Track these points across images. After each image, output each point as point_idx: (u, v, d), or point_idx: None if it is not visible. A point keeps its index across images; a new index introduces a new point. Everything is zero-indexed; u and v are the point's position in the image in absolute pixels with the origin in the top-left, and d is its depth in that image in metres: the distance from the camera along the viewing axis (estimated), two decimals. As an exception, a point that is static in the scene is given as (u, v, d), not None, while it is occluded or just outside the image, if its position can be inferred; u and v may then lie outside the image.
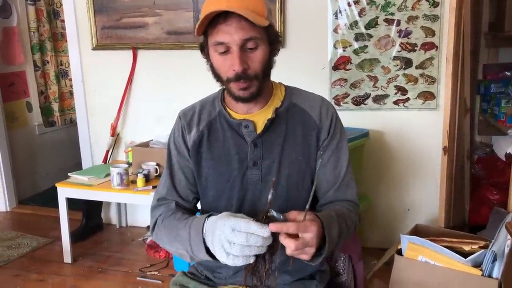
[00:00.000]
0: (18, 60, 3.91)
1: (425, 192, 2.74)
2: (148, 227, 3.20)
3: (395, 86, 2.67)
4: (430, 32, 2.56)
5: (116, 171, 2.56)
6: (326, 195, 1.24)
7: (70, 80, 3.84)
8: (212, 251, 1.02)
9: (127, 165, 2.72)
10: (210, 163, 1.22)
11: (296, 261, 1.04)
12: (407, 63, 2.62)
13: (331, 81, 2.73)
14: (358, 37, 2.65)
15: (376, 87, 2.69)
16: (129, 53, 3.06)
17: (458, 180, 2.52)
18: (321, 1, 2.65)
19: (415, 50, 2.60)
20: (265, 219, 0.98)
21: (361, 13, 2.61)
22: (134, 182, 2.61)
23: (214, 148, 1.22)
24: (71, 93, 4.01)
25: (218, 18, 1.07)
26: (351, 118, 2.66)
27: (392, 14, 2.58)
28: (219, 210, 1.12)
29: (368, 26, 2.62)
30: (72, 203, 2.76)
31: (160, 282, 2.56)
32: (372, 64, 2.66)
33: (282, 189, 1.18)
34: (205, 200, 1.26)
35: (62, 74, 4.13)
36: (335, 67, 2.71)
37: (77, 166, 3.37)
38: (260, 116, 1.20)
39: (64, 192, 2.69)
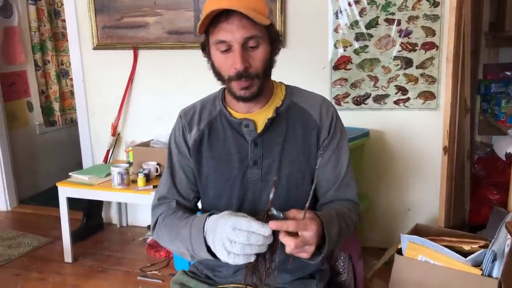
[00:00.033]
0: (19, 59, 3.91)
1: (425, 192, 2.74)
2: (148, 226, 3.20)
3: (395, 86, 2.67)
4: (430, 32, 2.56)
5: (117, 171, 2.56)
6: (326, 194, 1.24)
7: (71, 79, 3.84)
8: (213, 250, 1.02)
9: (127, 165, 2.72)
10: (211, 162, 1.22)
11: (296, 260, 1.05)
12: (408, 63, 2.62)
13: (331, 81, 2.74)
14: (359, 36, 2.65)
15: (377, 87, 2.69)
16: (130, 52, 3.07)
17: (458, 180, 2.53)
18: (321, 1, 2.66)
19: (415, 50, 2.60)
20: (266, 218, 0.98)
21: (361, 12, 2.61)
22: (134, 181, 2.62)
23: (214, 147, 1.22)
24: (71, 92, 4.01)
25: (219, 17, 1.08)
26: (352, 118, 2.66)
27: (393, 14, 2.58)
28: (219, 209, 1.12)
29: (369, 26, 2.62)
30: (73, 203, 2.76)
31: (161, 281, 2.56)
32: (372, 64, 2.66)
33: (282, 188, 1.18)
34: (206, 199, 1.27)
35: (63, 73, 4.13)
36: (336, 67, 2.71)
37: (77, 165, 3.38)
38: (260, 116, 1.21)
39: (65, 191, 2.69)
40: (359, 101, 2.73)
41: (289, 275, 1.24)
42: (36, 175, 4.12)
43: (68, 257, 2.81)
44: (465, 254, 1.75)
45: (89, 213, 3.19)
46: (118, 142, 3.22)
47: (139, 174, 2.59)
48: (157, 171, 2.69)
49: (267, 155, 1.19)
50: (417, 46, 2.59)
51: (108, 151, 3.16)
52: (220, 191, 1.22)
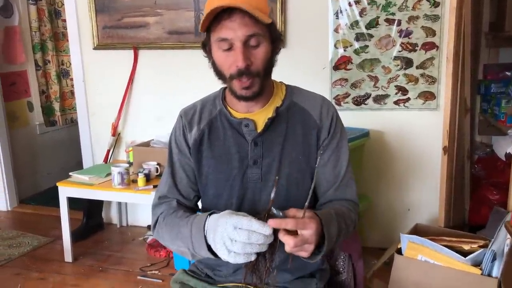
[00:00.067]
0: (20, 59, 3.92)
1: (425, 192, 2.75)
2: (148, 226, 3.21)
3: (395, 86, 2.67)
4: (430, 32, 2.56)
5: (117, 171, 2.57)
6: (325, 194, 1.24)
7: (71, 79, 3.85)
8: (214, 249, 1.02)
9: (128, 165, 2.72)
10: (211, 162, 1.23)
11: (296, 259, 1.05)
12: (408, 63, 2.62)
13: (331, 81, 2.74)
14: (359, 37, 2.65)
15: (377, 87, 2.69)
16: (130, 52, 3.07)
17: (458, 180, 2.53)
18: (322, 1, 2.66)
19: (415, 50, 2.60)
20: (267, 218, 0.98)
21: (362, 13, 2.61)
22: (134, 181, 2.62)
23: (214, 147, 1.23)
24: (72, 92, 4.02)
25: (222, 15, 1.08)
26: (352, 118, 2.67)
27: (393, 14, 2.58)
28: (219, 208, 1.13)
29: (369, 26, 2.62)
30: (73, 203, 2.76)
31: (161, 281, 2.57)
32: (372, 64, 2.67)
33: (282, 188, 1.19)
34: (206, 198, 1.27)
35: (63, 73, 4.14)
36: (336, 67, 2.72)
37: (78, 165, 3.38)
38: (260, 115, 1.21)
39: (65, 191, 2.70)
40: (359, 101, 2.73)
41: (289, 274, 1.24)
42: (36, 175, 4.12)
43: (68, 257, 2.81)
44: (464, 253, 1.75)
45: (89, 213, 3.19)
46: (118, 142, 3.22)
47: (139, 174, 2.59)
48: (157, 171, 2.70)
49: (267, 154, 1.20)
50: (417, 46, 2.59)
51: (108, 151, 3.17)
52: (220, 190, 1.22)
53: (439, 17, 2.54)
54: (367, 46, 2.65)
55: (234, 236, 0.96)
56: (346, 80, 2.72)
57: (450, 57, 2.27)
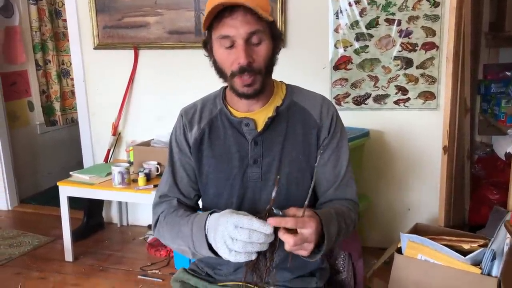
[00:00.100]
0: (20, 59, 3.92)
1: (425, 192, 2.75)
2: (149, 226, 3.21)
3: (395, 86, 2.67)
4: (430, 32, 2.57)
5: (117, 170, 2.57)
6: (325, 193, 1.24)
7: (72, 79, 3.84)
8: (215, 248, 1.03)
9: (128, 164, 2.73)
10: (211, 161, 1.23)
11: (296, 258, 1.06)
12: (408, 63, 2.63)
13: (331, 81, 2.74)
14: (359, 37, 2.65)
15: (377, 87, 2.69)
16: (131, 52, 3.07)
17: (458, 179, 2.53)
18: (322, 1, 2.66)
19: (415, 50, 2.60)
20: (267, 217, 0.99)
21: (362, 13, 2.62)
22: (135, 181, 2.63)
23: (215, 146, 1.23)
24: (72, 92, 4.02)
25: (223, 12, 1.08)
26: (352, 118, 2.67)
27: (393, 14, 2.58)
28: (219, 207, 1.13)
29: (369, 26, 2.62)
30: (74, 202, 2.77)
31: (161, 280, 2.57)
32: (372, 64, 2.67)
33: (282, 187, 1.19)
34: (206, 198, 1.27)
35: (64, 73, 4.14)
36: (336, 67, 2.72)
37: (78, 165, 3.39)
38: (261, 114, 1.21)
39: (66, 190, 2.70)
40: (359, 101, 2.73)
41: (289, 273, 1.25)
42: (37, 174, 4.12)
43: (68, 256, 2.81)
44: (464, 253, 1.75)
45: (90, 212, 3.20)
46: (118, 142, 3.23)
47: (139, 173, 2.60)
48: (157, 171, 2.70)
49: (267, 154, 1.20)
50: (417, 46, 2.60)
51: (108, 151, 3.17)
52: (220, 189, 1.23)
53: (439, 17, 2.54)
54: (367, 46, 2.65)
55: (235, 235, 0.97)
56: (346, 80, 2.72)
57: (450, 57, 2.28)
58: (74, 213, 2.83)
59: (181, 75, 3.02)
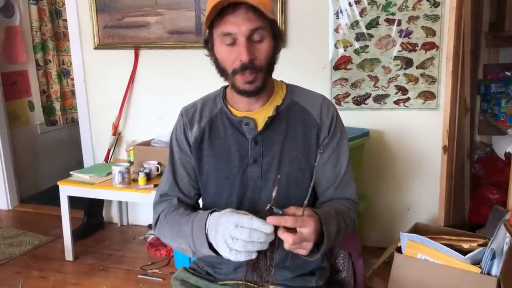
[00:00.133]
0: (20, 59, 3.93)
1: (425, 192, 2.75)
2: (149, 225, 3.21)
3: (395, 86, 2.68)
4: (430, 32, 2.57)
5: (118, 170, 2.57)
6: (325, 193, 1.25)
7: (72, 79, 3.84)
8: (215, 247, 1.03)
9: (128, 164, 2.73)
10: (211, 160, 1.23)
11: (296, 257, 1.06)
12: (408, 63, 2.63)
13: (332, 81, 2.75)
14: (359, 37, 2.66)
15: (377, 87, 2.70)
16: (131, 52, 3.08)
17: (458, 179, 2.53)
18: (322, 1, 2.66)
19: (415, 50, 2.61)
20: (268, 216, 0.99)
21: (362, 13, 2.62)
22: (135, 180, 2.63)
23: (215, 145, 1.23)
24: (73, 92, 4.03)
25: (226, 10, 1.08)
26: (352, 118, 2.67)
27: (393, 14, 2.59)
28: (219, 206, 1.13)
29: (369, 26, 2.63)
30: (74, 202, 2.77)
31: (161, 279, 2.57)
32: (372, 64, 2.67)
33: (282, 187, 1.18)
34: (206, 197, 1.28)
35: (64, 73, 4.15)
36: (336, 67, 2.72)
37: (78, 165, 3.39)
38: (261, 114, 1.21)
39: (66, 190, 2.70)
40: (359, 101, 2.74)
41: (289, 272, 1.25)
42: (37, 174, 4.13)
43: (69, 256, 2.82)
44: (464, 252, 1.75)
45: (90, 212, 3.20)
46: (119, 142, 3.23)
47: (140, 173, 2.60)
48: (158, 170, 2.70)
49: (267, 153, 1.20)
50: (417, 46, 2.60)
51: (109, 150, 3.17)
52: (220, 188, 1.23)
53: (439, 17, 2.54)
54: (367, 46, 2.66)
55: (235, 234, 0.97)
56: (346, 80, 2.72)
57: (450, 57, 2.28)
58: (74, 212, 2.84)
59: (181, 75, 3.02)
